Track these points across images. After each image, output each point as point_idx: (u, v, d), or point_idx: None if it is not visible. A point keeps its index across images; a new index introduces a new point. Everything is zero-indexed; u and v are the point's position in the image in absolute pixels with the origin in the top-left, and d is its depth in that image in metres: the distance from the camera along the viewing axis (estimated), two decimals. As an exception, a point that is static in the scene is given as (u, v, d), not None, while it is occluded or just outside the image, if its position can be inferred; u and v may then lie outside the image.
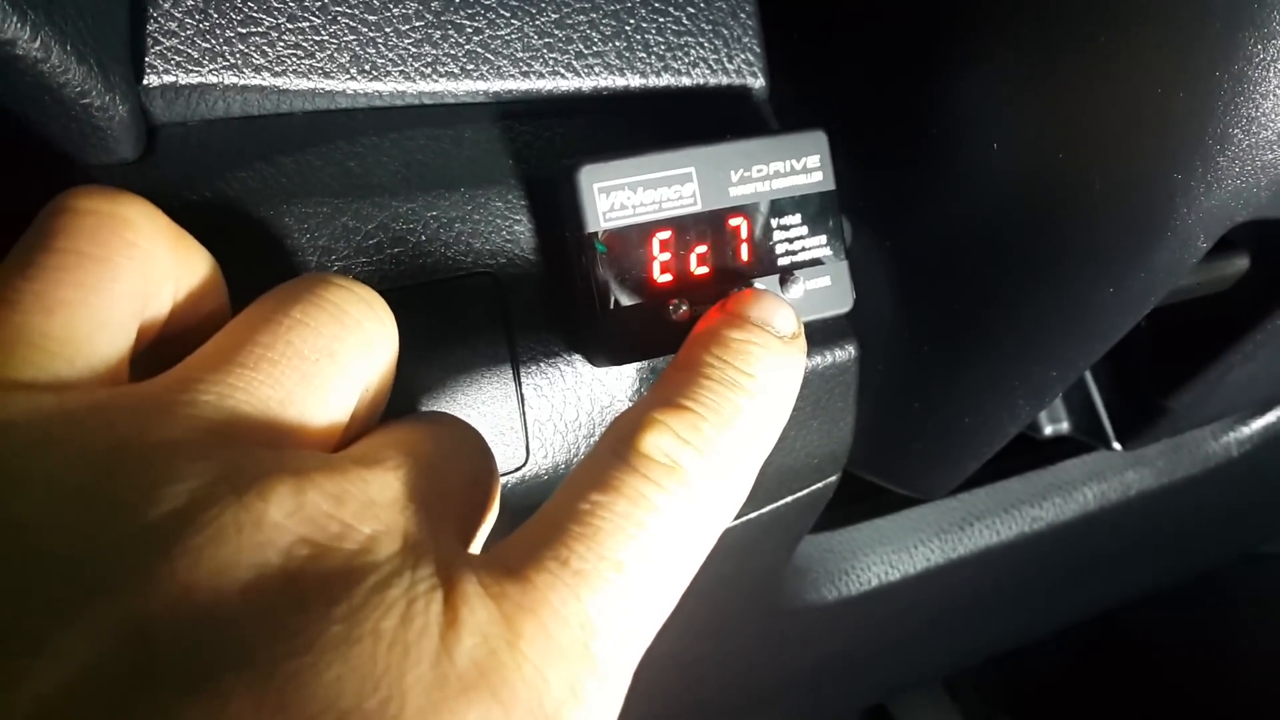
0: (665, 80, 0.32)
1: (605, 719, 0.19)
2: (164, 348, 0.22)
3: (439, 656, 0.17)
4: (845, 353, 0.35)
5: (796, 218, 0.30)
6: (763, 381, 0.23)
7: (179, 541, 0.16)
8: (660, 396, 0.23)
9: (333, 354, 0.21)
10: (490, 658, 0.17)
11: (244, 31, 0.27)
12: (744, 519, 0.39)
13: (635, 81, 0.32)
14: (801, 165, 0.30)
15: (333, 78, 0.28)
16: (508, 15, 0.30)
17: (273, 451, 0.19)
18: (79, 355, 0.19)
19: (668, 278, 0.28)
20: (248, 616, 0.16)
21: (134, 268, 0.20)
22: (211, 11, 0.27)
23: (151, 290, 0.21)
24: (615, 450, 0.21)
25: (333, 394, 0.21)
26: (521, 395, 0.29)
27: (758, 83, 0.34)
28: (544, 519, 0.20)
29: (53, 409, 0.18)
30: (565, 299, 0.29)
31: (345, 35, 0.28)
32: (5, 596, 0.16)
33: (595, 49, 0.31)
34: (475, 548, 0.23)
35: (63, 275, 0.20)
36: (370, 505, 0.18)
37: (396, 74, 0.29)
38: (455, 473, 0.22)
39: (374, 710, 0.16)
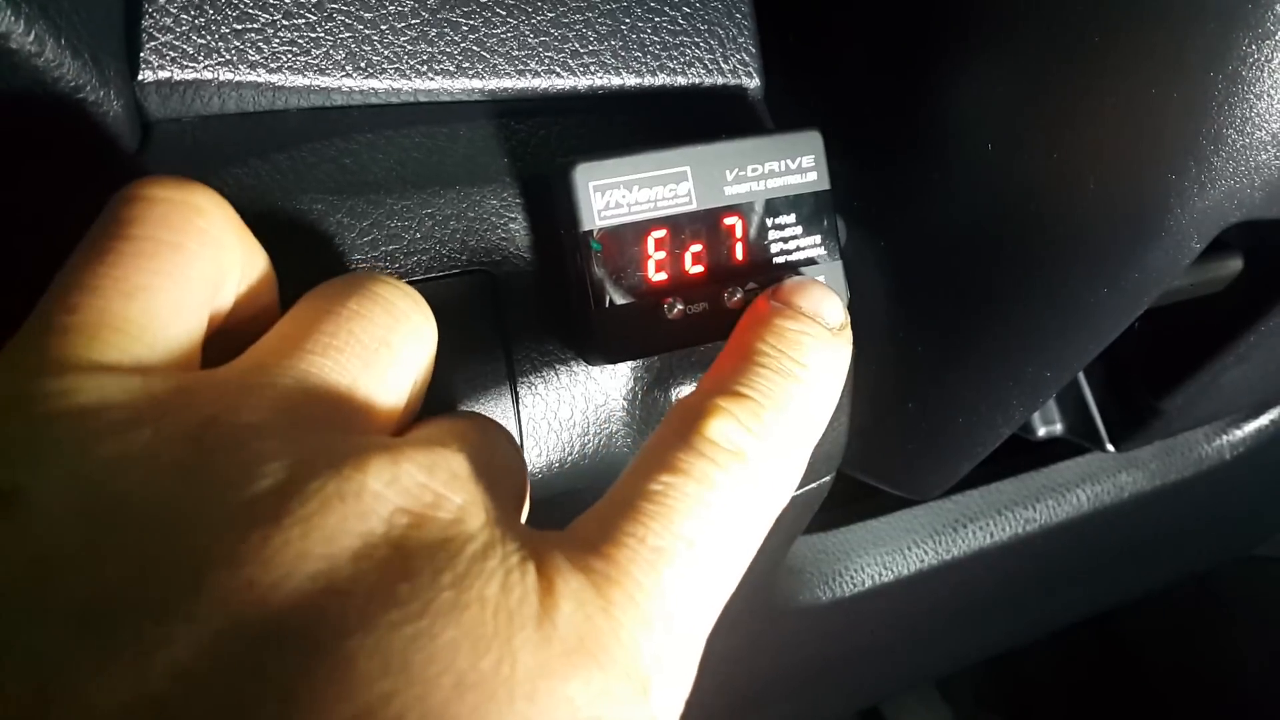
0: (661, 79, 0.32)
1: (685, 684, 0.20)
2: (225, 337, 0.23)
3: (541, 621, 0.18)
4: (850, 356, 0.35)
5: (791, 217, 0.30)
6: (814, 370, 0.25)
7: (288, 512, 0.17)
8: (720, 382, 0.24)
9: (389, 343, 0.22)
10: (587, 623, 0.18)
11: (239, 28, 0.27)
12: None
13: (631, 81, 0.32)
14: (796, 165, 0.30)
15: (328, 75, 0.28)
16: (504, 14, 0.30)
17: (351, 432, 0.19)
18: (158, 339, 0.20)
19: (662, 276, 0.28)
20: (362, 582, 0.17)
21: (207, 254, 0.21)
22: (207, 7, 0.26)
23: (221, 278, 0.22)
24: (681, 434, 0.22)
25: (390, 381, 0.22)
26: (516, 393, 0.29)
27: (753, 82, 0.34)
28: (616, 499, 0.21)
29: (139, 391, 0.18)
30: (560, 297, 0.29)
31: (341, 32, 0.28)
32: (128, 568, 0.16)
33: (591, 48, 0.31)
34: None
35: (141, 261, 0.20)
36: (455, 478, 0.19)
37: (392, 71, 0.29)
38: (505, 457, 0.23)
39: (488, 671, 0.17)
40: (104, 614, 0.16)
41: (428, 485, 0.19)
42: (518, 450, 0.25)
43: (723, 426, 0.22)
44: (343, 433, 0.19)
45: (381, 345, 0.21)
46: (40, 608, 0.16)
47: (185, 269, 0.21)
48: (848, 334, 0.26)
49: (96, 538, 0.16)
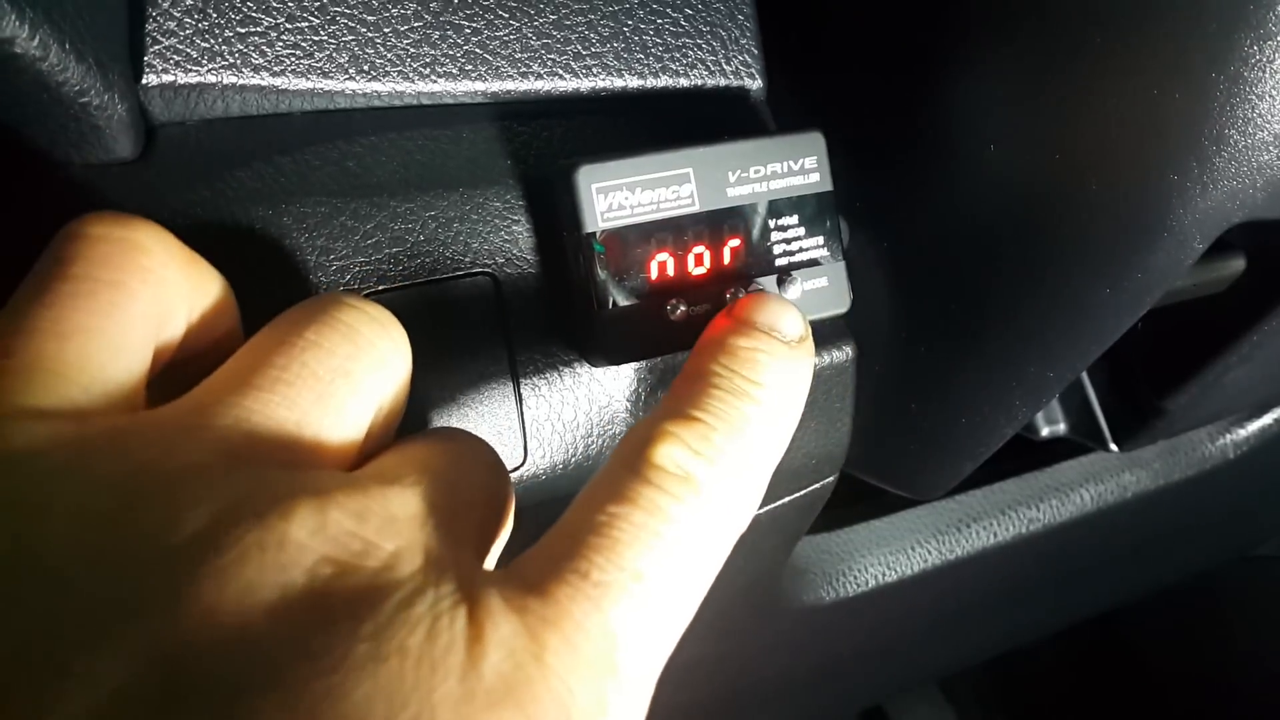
0: (663, 81, 0.32)
1: None
2: (178, 371, 0.22)
3: (466, 672, 0.17)
4: (843, 354, 0.35)
5: (794, 218, 0.30)
6: (771, 388, 0.24)
7: (203, 564, 0.16)
8: (670, 408, 0.23)
9: (347, 373, 0.21)
10: (516, 671, 0.17)
11: (243, 31, 0.27)
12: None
13: (633, 82, 0.32)
14: (799, 166, 0.30)
15: (331, 78, 0.28)
16: (506, 16, 0.30)
17: (292, 472, 0.19)
18: (95, 382, 0.19)
19: (665, 278, 0.28)
20: (274, 637, 0.16)
21: (148, 293, 0.21)
22: (210, 11, 0.27)
23: (165, 314, 0.21)
24: (628, 463, 0.21)
25: (348, 413, 0.21)
26: (519, 395, 0.29)
27: (755, 84, 0.34)
28: (561, 533, 0.20)
29: (71, 437, 0.18)
30: (563, 299, 0.29)
31: (344, 35, 0.28)
32: (33, 624, 0.16)
33: (593, 50, 0.31)
34: (491, 562, 0.24)
35: (77, 302, 0.20)
36: (391, 522, 0.19)
37: (395, 74, 0.29)
38: (471, 488, 0.22)
39: None
40: (5, 669, 0.15)
41: (356, 533, 0.18)
42: (496, 469, 0.24)
43: (671, 452, 0.21)
44: (286, 470, 0.19)
45: (338, 376, 0.21)
46: None
47: (125, 308, 0.20)
48: (808, 347, 0.25)
49: (8, 589, 0.16)
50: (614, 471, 0.21)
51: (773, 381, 0.24)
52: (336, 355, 0.21)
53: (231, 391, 0.20)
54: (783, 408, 0.24)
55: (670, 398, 0.24)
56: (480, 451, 0.23)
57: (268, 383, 0.20)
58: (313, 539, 0.17)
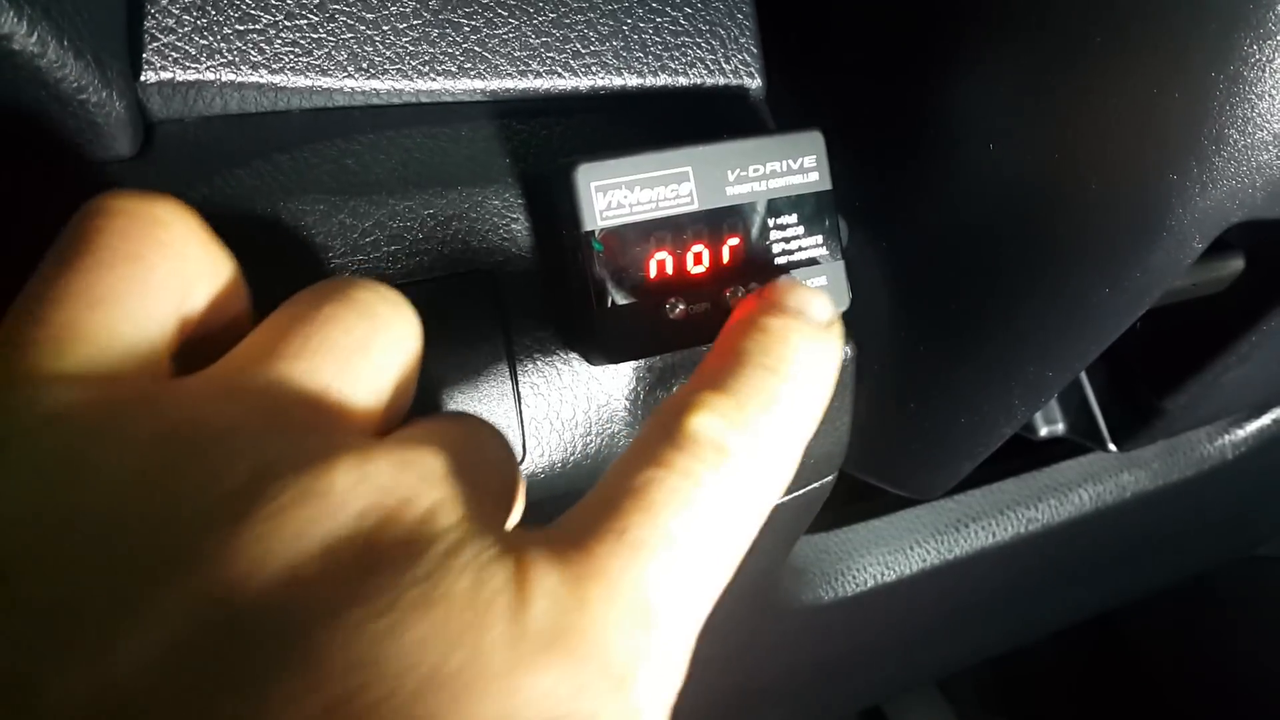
0: (662, 80, 0.32)
1: (672, 680, 0.20)
2: (196, 348, 0.23)
3: (513, 618, 0.18)
4: (842, 353, 0.35)
5: (793, 217, 0.30)
6: (802, 366, 0.24)
7: (251, 513, 0.17)
8: (704, 380, 0.23)
9: (365, 348, 0.21)
10: (562, 619, 0.18)
11: (241, 29, 0.27)
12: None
13: (632, 81, 0.32)
14: (798, 165, 0.30)
15: (330, 75, 0.28)
16: (505, 14, 0.30)
17: (323, 434, 0.19)
18: (123, 349, 0.20)
19: (664, 277, 0.28)
20: (327, 582, 0.17)
21: (169, 266, 0.21)
22: (209, 8, 0.27)
23: (187, 287, 0.22)
24: (664, 430, 0.22)
25: (367, 385, 0.21)
26: (518, 393, 0.29)
27: (755, 83, 0.34)
28: (597, 496, 0.21)
29: (104, 399, 0.18)
30: (562, 297, 0.29)
31: (343, 33, 0.28)
32: (89, 577, 0.16)
33: (592, 48, 0.31)
34: None
35: (103, 273, 0.20)
36: (429, 477, 0.19)
37: (394, 72, 0.29)
38: (488, 463, 0.23)
39: (457, 668, 0.17)
40: (66, 614, 0.16)
41: (397, 484, 0.19)
42: (508, 450, 0.24)
43: (706, 421, 0.22)
44: (314, 435, 0.19)
45: (356, 350, 0.21)
46: (4, 607, 0.16)
47: (147, 279, 0.21)
48: (838, 331, 0.26)
49: (59, 542, 0.16)
50: (649, 438, 0.22)
51: (804, 361, 0.24)
52: (355, 330, 0.21)
53: (257, 361, 0.20)
54: (813, 388, 0.25)
55: (704, 371, 0.24)
56: (494, 431, 0.24)
57: (292, 352, 0.20)
58: (356, 489, 0.18)
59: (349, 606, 0.16)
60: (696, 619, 0.21)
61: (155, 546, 0.16)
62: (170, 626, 0.16)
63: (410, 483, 0.19)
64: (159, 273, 0.21)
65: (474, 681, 0.17)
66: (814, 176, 0.30)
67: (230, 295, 0.23)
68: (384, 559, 0.17)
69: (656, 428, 0.22)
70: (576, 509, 0.21)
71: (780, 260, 0.30)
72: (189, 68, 0.26)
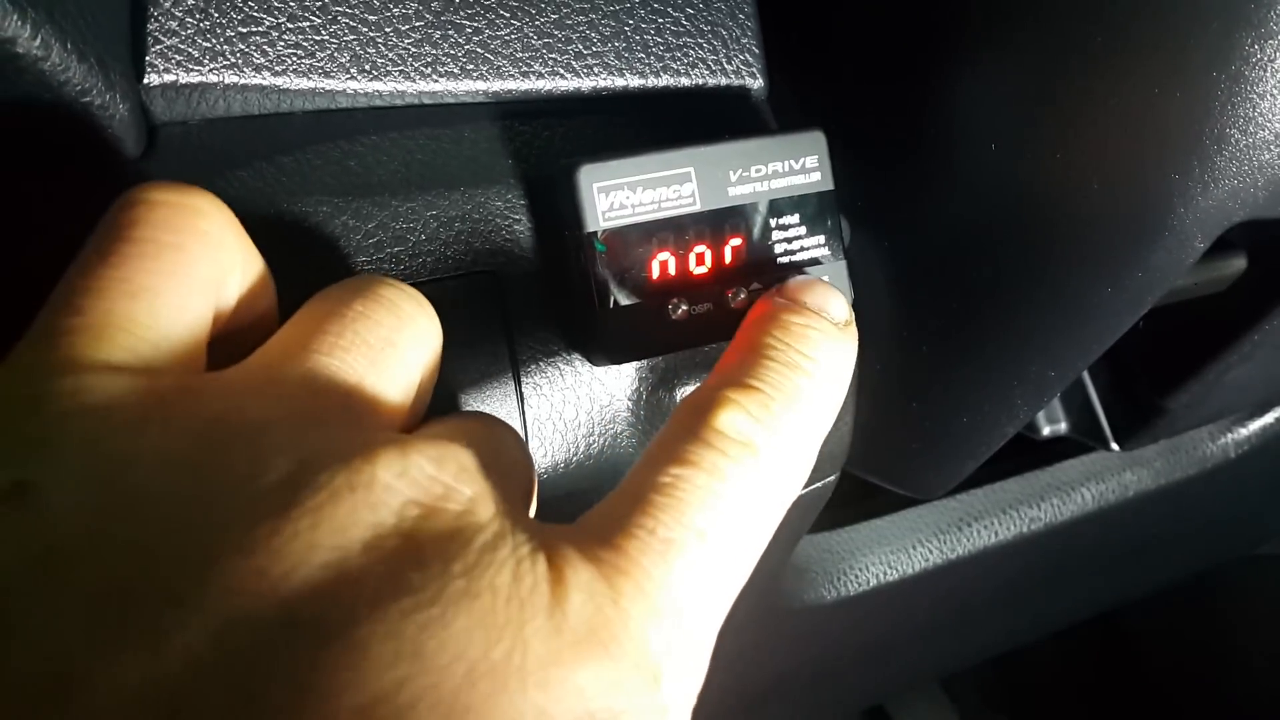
0: (664, 80, 0.32)
1: (697, 675, 0.20)
2: (226, 342, 0.23)
3: (552, 610, 0.18)
4: (855, 351, 0.35)
5: (795, 218, 0.30)
6: (822, 364, 0.25)
7: (297, 504, 0.17)
8: (727, 376, 0.24)
9: (394, 344, 0.22)
10: (597, 614, 0.18)
11: (244, 31, 0.27)
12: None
13: (634, 82, 0.32)
14: (800, 165, 0.30)
15: (333, 77, 0.28)
16: (507, 15, 0.30)
17: (360, 429, 0.20)
18: (163, 340, 0.20)
19: (667, 277, 0.28)
20: (373, 573, 0.17)
21: (209, 255, 0.21)
22: (212, 11, 0.27)
23: (222, 279, 0.22)
24: (689, 427, 0.22)
25: (397, 380, 0.22)
26: (521, 394, 0.29)
27: (756, 83, 0.34)
28: (626, 492, 0.21)
29: (146, 390, 0.19)
30: (564, 298, 0.30)
31: (345, 35, 0.28)
32: (140, 558, 0.16)
33: (595, 49, 0.31)
34: None
35: (144, 263, 0.20)
36: (465, 470, 0.19)
37: (396, 74, 0.29)
38: (507, 456, 0.23)
39: (500, 659, 0.17)
40: (117, 602, 0.16)
41: (437, 477, 0.19)
42: (524, 448, 0.25)
43: (732, 418, 0.22)
44: (351, 428, 0.19)
45: (386, 345, 0.22)
46: (55, 595, 0.16)
47: (188, 270, 0.21)
48: (853, 330, 0.26)
49: (108, 529, 0.17)
50: (675, 435, 0.22)
51: (824, 358, 0.25)
52: (383, 326, 0.22)
53: (291, 356, 0.20)
54: (832, 385, 0.25)
55: (725, 367, 0.24)
56: (511, 430, 0.25)
57: (325, 347, 0.21)
58: (398, 481, 0.18)
59: (395, 598, 0.17)
60: (720, 615, 0.21)
61: (200, 539, 0.17)
62: (217, 618, 0.16)
63: (449, 476, 0.19)
64: (200, 264, 0.21)
65: (515, 673, 0.17)
66: (816, 177, 0.30)
67: (261, 289, 0.24)
68: (427, 551, 0.17)
69: (682, 425, 0.22)
70: (602, 506, 0.21)
71: (782, 260, 0.30)
72: (192, 70, 0.26)
